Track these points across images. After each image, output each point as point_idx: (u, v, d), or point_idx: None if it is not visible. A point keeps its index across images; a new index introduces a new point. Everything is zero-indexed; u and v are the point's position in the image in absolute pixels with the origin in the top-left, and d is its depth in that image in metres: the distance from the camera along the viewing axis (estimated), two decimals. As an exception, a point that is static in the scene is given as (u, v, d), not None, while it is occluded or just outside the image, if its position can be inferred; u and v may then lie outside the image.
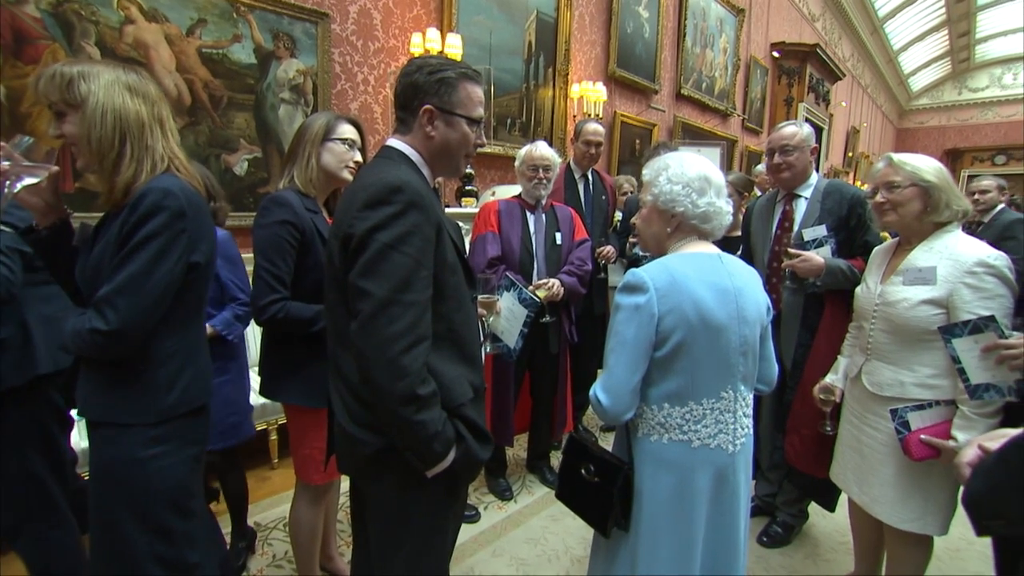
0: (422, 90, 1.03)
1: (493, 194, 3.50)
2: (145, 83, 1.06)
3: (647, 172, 1.22)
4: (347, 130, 1.47)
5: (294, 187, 1.42)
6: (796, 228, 1.90)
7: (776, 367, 1.29)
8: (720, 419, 1.13)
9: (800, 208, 1.92)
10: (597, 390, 1.13)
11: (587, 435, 2.96)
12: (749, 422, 1.19)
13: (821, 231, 1.81)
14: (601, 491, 1.17)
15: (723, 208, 1.16)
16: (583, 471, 1.20)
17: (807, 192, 1.92)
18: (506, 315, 2.02)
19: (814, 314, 1.85)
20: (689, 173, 1.14)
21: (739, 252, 2.35)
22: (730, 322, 1.10)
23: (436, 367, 0.97)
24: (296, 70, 2.85)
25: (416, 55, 3.29)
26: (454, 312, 1.03)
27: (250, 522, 2.14)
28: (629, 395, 1.10)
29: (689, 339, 1.07)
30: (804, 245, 1.83)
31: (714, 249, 1.19)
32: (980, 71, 14.74)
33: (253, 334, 2.80)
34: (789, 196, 1.96)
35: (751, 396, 1.20)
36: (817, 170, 2.03)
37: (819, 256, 1.76)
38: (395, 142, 1.07)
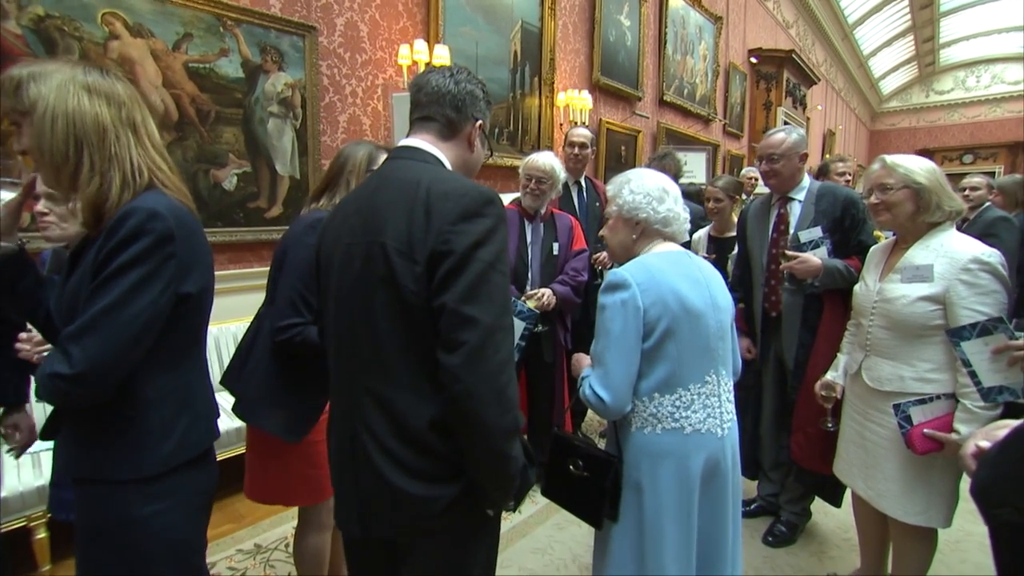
0: (478, 104, 0.99)
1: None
2: (110, 82, 0.90)
3: (611, 187, 1.33)
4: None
5: None
6: (792, 230, 1.94)
7: (740, 358, 1.38)
8: (707, 403, 1.20)
9: (795, 211, 1.96)
10: (596, 388, 1.17)
11: (587, 440, 2.96)
12: (732, 407, 1.27)
13: (817, 232, 1.85)
14: (591, 485, 1.22)
15: (681, 214, 1.28)
16: (571, 467, 1.25)
17: (800, 195, 1.96)
18: None
19: (813, 314, 1.88)
20: (648, 184, 1.27)
21: (734, 253, 2.39)
22: (706, 308, 1.19)
23: None
24: (284, 83, 2.83)
25: (404, 67, 3.30)
26: None
27: (250, 544, 2.09)
28: (628, 388, 1.17)
29: (673, 326, 1.15)
30: (800, 247, 1.86)
31: (680, 248, 1.29)
32: (945, 74, 15.31)
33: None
34: (783, 199, 2.00)
35: (731, 382, 1.29)
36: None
37: (816, 257, 1.80)
38: (429, 146, 0.96)
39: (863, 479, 1.55)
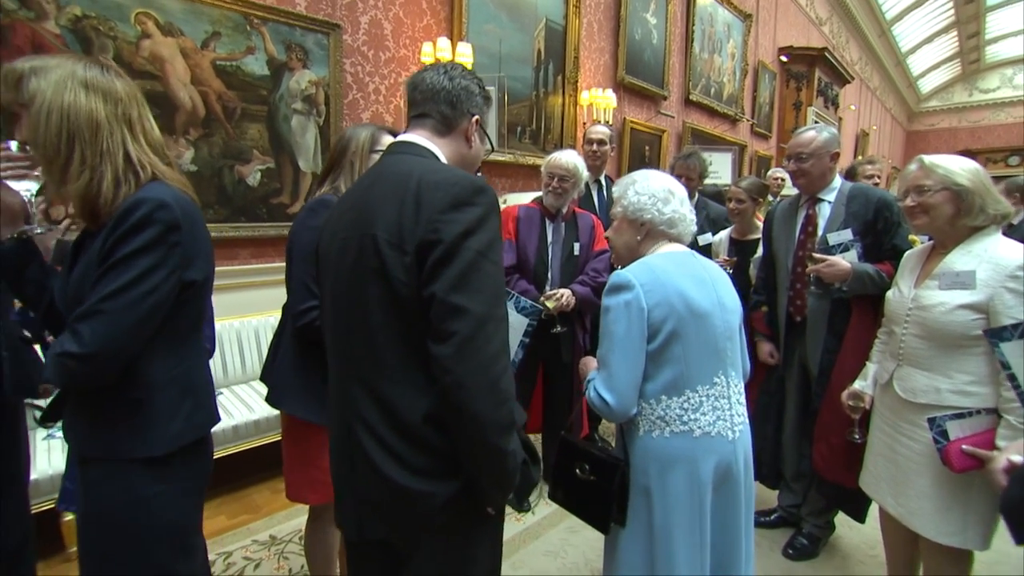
0: (474, 99, 0.98)
1: (504, 202, 3.49)
2: (109, 79, 0.92)
3: (617, 188, 1.32)
4: (389, 141, 1.47)
5: (340, 195, 1.41)
6: (820, 232, 1.86)
7: (748, 360, 1.34)
8: (716, 405, 1.17)
9: (823, 212, 1.89)
10: (600, 391, 1.16)
11: (603, 443, 2.91)
12: (744, 410, 1.24)
13: (847, 235, 1.78)
14: (598, 489, 1.21)
15: (686, 215, 1.27)
16: (578, 470, 1.24)
17: (830, 196, 1.89)
18: None
19: (840, 320, 1.81)
20: (654, 186, 1.26)
21: (756, 256, 2.32)
22: (713, 308, 1.18)
23: None
24: (308, 81, 2.86)
25: (427, 64, 3.30)
26: None
27: (265, 535, 2.12)
28: (633, 390, 1.15)
29: (679, 327, 1.13)
30: (829, 250, 1.79)
31: (685, 248, 1.28)
32: (991, 72, 14.65)
33: (252, 350, 2.79)
34: (812, 200, 1.92)
35: (742, 384, 1.26)
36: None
37: (845, 261, 1.73)
38: (424, 141, 0.95)
39: (892, 495, 1.47)
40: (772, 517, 2.20)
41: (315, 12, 2.88)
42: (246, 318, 2.72)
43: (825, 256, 1.75)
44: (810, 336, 1.89)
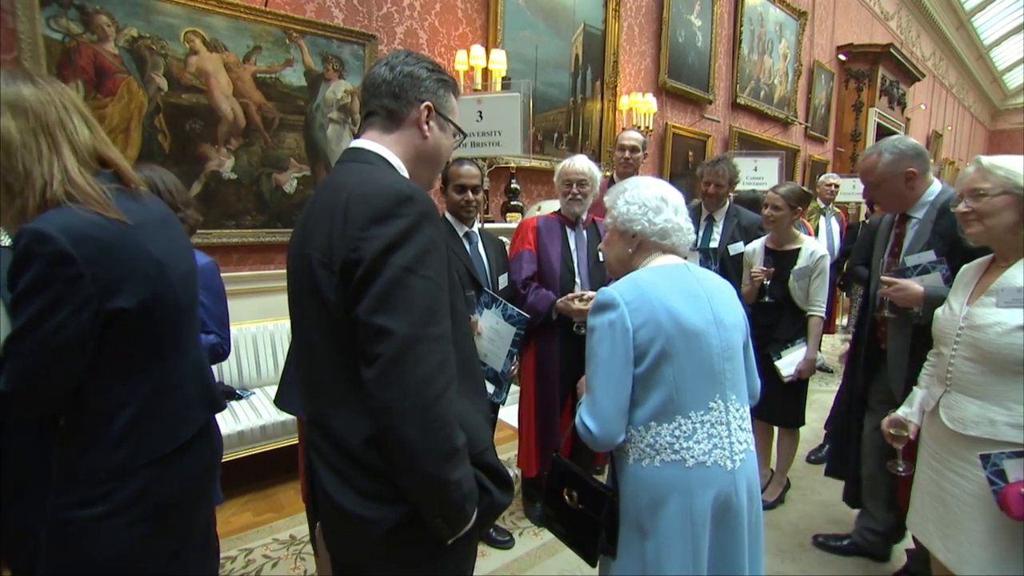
0: (422, 84, 0.90)
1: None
2: (15, 89, 0.81)
3: (608, 198, 1.26)
4: None
5: None
6: (903, 253, 1.73)
7: (758, 380, 1.25)
8: (713, 432, 1.08)
9: (911, 231, 1.74)
10: (584, 417, 1.09)
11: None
12: (748, 436, 1.14)
13: (928, 256, 1.62)
14: (585, 518, 1.13)
15: (681, 225, 1.19)
16: (566, 496, 1.16)
17: (920, 212, 1.72)
18: (489, 335, 1.86)
19: (922, 346, 1.63)
20: (644, 194, 1.19)
21: (796, 268, 2.17)
22: (707, 327, 1.08)
23: (458, 409, 0.81)
24: (344, 90, 2.95)
25: (461, 72, 3.33)
26: (464, 338, 0.89)
27: (286, 534, 2.17)
28: (617, 416, 1.07)
29: (668, 348, 1.05)
30: (904, 272, 1.65)
31: (680, 260, 1.20)
32: (1090, 65, 13.21)
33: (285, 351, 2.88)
34: (902, 217, 1.77)
35: (746, 408, 1.16)
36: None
37: (918, 284, 1.58)
38: (372, 144, 0.90)
39: (941, 539, 1.32)
40: (844, 543, 2.08)
41: (352, 24, 2.97)
42: (280, 320, 2.82)
43: (895, 279, 1.61)
44: (891, 363, 1.75)
